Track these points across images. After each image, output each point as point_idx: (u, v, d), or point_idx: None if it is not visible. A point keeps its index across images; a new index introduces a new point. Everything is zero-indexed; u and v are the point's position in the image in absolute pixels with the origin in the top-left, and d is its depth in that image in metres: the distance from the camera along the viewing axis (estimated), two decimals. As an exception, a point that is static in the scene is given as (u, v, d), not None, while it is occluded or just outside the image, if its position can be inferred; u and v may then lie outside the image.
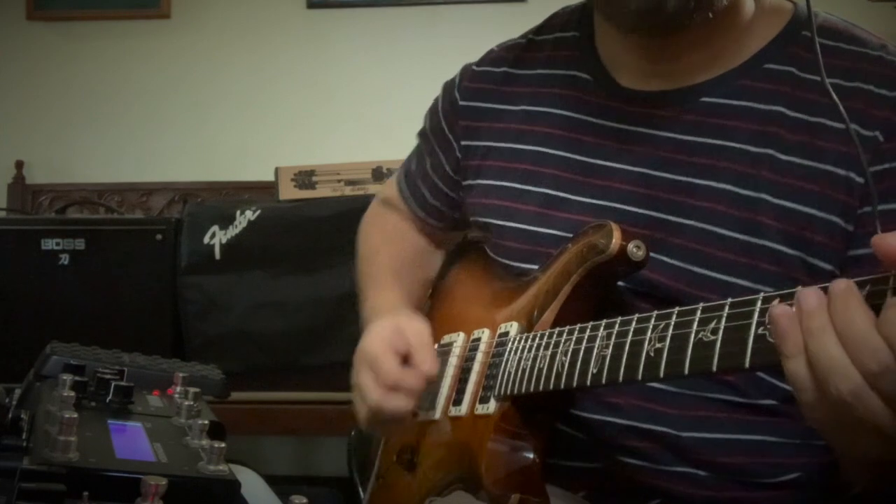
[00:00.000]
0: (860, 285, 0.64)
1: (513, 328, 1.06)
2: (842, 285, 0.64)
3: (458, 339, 1.15)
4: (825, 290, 0.65)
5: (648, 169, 1.04)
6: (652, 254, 0.98)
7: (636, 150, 1.05)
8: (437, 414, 1.11)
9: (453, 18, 3.20)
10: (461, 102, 1.22)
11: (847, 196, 0.95)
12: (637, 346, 0.82)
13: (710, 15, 0.98)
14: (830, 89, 0.93)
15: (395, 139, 2.91)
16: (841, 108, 0.92)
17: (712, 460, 1.00)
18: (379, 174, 2.44)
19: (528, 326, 1.04)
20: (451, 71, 1.30)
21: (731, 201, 0.99)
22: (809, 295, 0.65)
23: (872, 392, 0.62)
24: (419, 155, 1.34)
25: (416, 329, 1.11)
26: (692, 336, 0.76)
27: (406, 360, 1.09)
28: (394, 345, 1.09)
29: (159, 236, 2.21)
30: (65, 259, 2.18)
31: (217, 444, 0.83)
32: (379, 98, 3.16)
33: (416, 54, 3.20)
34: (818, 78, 0.94)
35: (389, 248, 1.35)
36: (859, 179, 0.95)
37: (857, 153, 0.92)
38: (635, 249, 0.96)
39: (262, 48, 3.23)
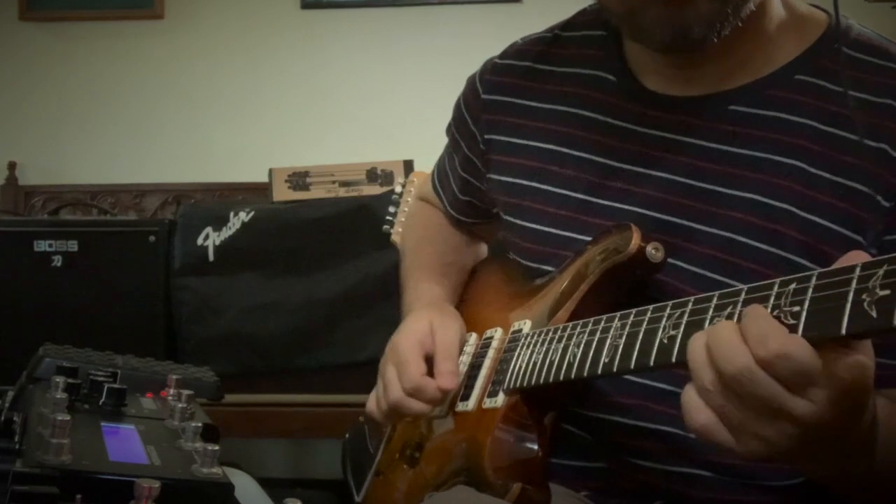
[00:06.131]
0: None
1: (526, 325, 1.06)
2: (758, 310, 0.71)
3: (470, 339, 1.16)
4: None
5: (672, 174, 1.02)
6: (670, 259, 0.97)
7: (659, 155, 1.03)
8: (444, 410, 1.11)
9: (448, 19, 3.19)
10: (483, 96, 1.20)
11: (871, 217, 0.94)
12: (651, 334, 0.82)
13: (739, 23, 0.95)
14: (850, 102, 0.91)
15: (390, 140, 2.93)
16: (855, 119, 0.91)
17: (718, 461, 0.99)
18: (373, 175, 2.43)
19: (542, 324, 1.04)
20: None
21: (756, 211, 0.98)
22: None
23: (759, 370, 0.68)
24: (448, 151, 1.32)
25: (446, 335, 1.12)
26: (707, 322, 0.76)
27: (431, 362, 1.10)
28: (423, 346, 1.11)
29: (152, 238, 2.21)
30: (57, 261, 2.17)
31: (210, 447, 0.82)
32: (373, 99, 3.16)
33: (410, 55, 3.19)
34: (849, 92, 0.93)
35: (431, 245, 1.35)
36: (886, 203, 0.93)
37: (882, 173, 0.92)
38: (654, 251, 0.96)
39: (255, 49, 3.23)
